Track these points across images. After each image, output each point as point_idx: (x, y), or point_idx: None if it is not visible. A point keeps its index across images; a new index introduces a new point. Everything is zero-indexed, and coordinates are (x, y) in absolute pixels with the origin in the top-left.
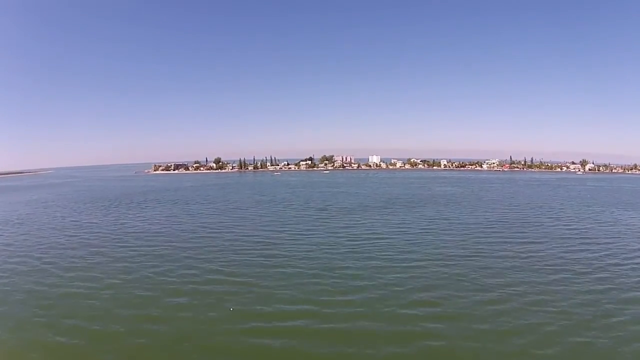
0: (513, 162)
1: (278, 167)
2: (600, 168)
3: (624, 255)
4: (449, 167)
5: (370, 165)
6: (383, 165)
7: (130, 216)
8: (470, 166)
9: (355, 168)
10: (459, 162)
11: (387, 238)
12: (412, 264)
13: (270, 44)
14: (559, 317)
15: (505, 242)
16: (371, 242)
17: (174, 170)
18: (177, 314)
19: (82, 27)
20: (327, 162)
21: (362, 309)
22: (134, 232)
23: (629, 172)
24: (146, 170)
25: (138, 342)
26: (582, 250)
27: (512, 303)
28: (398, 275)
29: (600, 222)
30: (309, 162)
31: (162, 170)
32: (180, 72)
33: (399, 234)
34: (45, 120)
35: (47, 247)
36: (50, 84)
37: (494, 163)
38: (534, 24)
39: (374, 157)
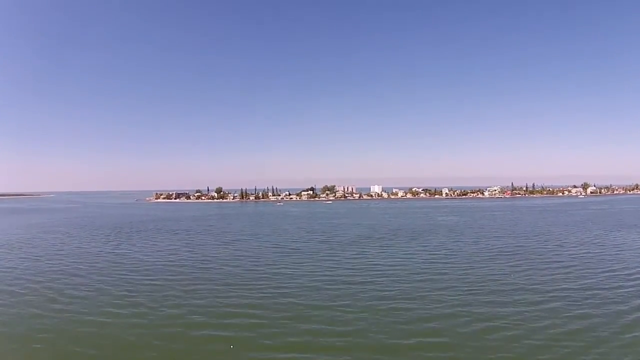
0: (515, 189)
1: (280, 197)
2: (602, 190)
3: (627, 278)
4: (451, 195)
5: (372, 195)
6: (385, 195)
7: (130, 246)
8: (472, 194)
9: (357, 198)
10: (461, 190)
11: (388, 271)
12: (412, 295)
13: (273, 69)
14: (564, 344)
15: (508, 272)
16: (371, 275)
17: (175, 198)
18: (174, 355)
19: (82, 42)
20: (328, 192)
21: (361, 340)
22: (132, 264)
23: (630, 192)
24: (147, 198)
25: None
26: (585, 277)
27: (515, 334)
28: (397, 307)
29: (604, 246)
30: (311, 192)
31: (164, 198)
32: (178, 99)
33: (399, 267)
34: (47, 142)
35: (45, 274)
36: (52, 103)
37: (495, 190)
38: (533, 42)
39: (376, 186)
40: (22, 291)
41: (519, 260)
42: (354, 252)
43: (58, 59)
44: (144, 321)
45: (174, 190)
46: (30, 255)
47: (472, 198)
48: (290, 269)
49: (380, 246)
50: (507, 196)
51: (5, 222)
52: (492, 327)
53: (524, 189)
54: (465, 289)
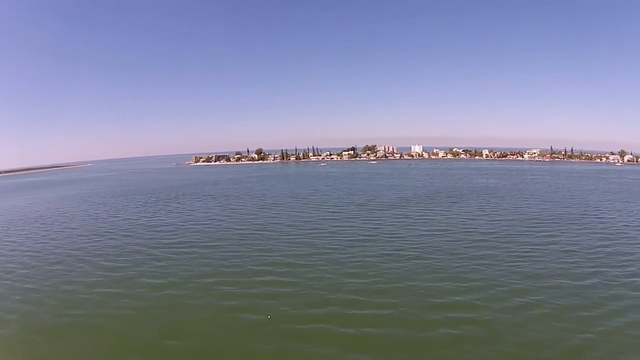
0: (554, 152)
1: (320, 158)
2: (639, 159)
3: None
4: (491, 157)
5: (412, 155)
6: (425, 155)
7: (167, 212)
8: (512, 156)
9: (398, 158)
10: (501, 152)
11: (427, 238)
12: (453, 264)
13: (314, 34)
14: (598, 319)
15: (549, 242)
16: (411, 240)
17: (215, 161)
18: (212, 320)
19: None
20: (369, 152)
21: (395, 311)
22: (169, 232)
23: None
24: (187, 162)
25: (169, 345)
26: (626, 254)
27: (548, 308)
28: (434, 277)
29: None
30: (352, 152)
31: (203, 161)
32: (219, 60)
33: (440, 232)
34: (84, 112)
35: (85, 243)
36: (86, 75)
37: (535, 153)
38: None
39: (416, 146)
40: (57, 266)
41: (559, 230)
42: (394, 216)
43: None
44: (180, 292)
45: (213, 153)
46: (65, 228)
47: (512, 160)
48: (328, 235)
49: (420, 210)
50: (547, 160)
51: (41, 195)
52: (528, 303)
53: (563, 152)
54: (505, 259)
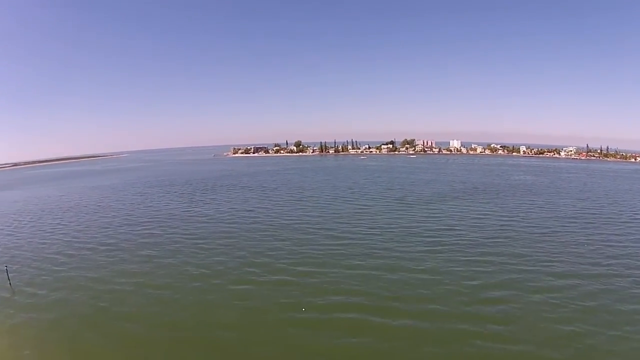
0: (589, 150)
1: (360, 151)
2: None
3: None
4: (528, 153)
5: (450, 150)
6: (463, 150)
7: (203, 204)
8: (549, 153)
9: (436, 152)
10: (538, 149)
11: (463, 232)
12: (486, 260)
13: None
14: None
15: (583, 242)
16: (447, 237)
17: (253, 153)
18: (246, 311)
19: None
20: (408, 145)
21: (435, 306)
22: (206, 221)
23: None
24: (225, 153)
25: (200, 336)
26: None
27: (577, 316)
28: (468, 271)
29: None
30: (390, 145)
31: (242, 153)
32: (262, 54)
33: (476, 230)
34: (121, 102)
35: (120, 233)
36: (125, 60)
37: (571, 151)
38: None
39: (455, 141)
40: (91, 255)
41: (593, 230)
42: (431, 211)
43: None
44: (215, 282)
45: (252, 145)
46: (100, 217)
47: (549, 157)
48: (364, 228)
49: (457, 206)
50: (582, 158)
51: (76, 184)
52: (558, 302)
53: (598, 151)
54: (539, 258)
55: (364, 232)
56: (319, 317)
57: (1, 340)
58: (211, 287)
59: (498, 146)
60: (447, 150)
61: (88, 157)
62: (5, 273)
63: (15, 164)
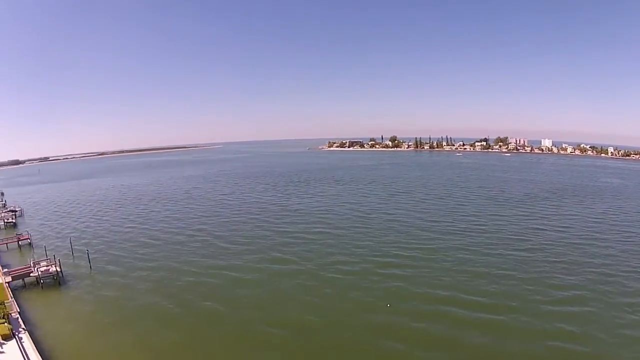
0: None
1: (454, 147)
2: None
3: None
4: (616, 155)
5: (542, 149)
6: (554, 150)
7: (297, 195)
8: (635, 156)
9: (529, 151)
10: (624, 151)
11: (550, 238)
12: (569, 261)
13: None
14: None
15: None
16: (535, 241)
17: (348, 147)
18: (331, 309)
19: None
20: (501, 143)
21: (512, 302)
22: (298, 214)
23: None
24: (320, 147)
25: (286, 336)
26: None
27: None
28: (551, 270)
29: None
30: (484, 143)
31: (337, 146)
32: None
33: (563, 234)
34: (215, 95)
35: (209, 223)
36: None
37: None
38: None
39: (546, 140)
40: (178, 246)
41: None
42: (521, 212)
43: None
44: (304, 277)
45: (347, 139)
46: (189, 205)
47: (636, 160)
48: (451, 227)
49: (546, 207)
50: None
51: (169, 173)
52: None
53: None
54: (625, 270)
55: (448, 232)
56: (403, 315)
57: (77, 316)
58: (304, 281)
59: (587, 147)
60: (539, 149)
61: (180, 147)
62: (87, 255)
63: (102, 153)
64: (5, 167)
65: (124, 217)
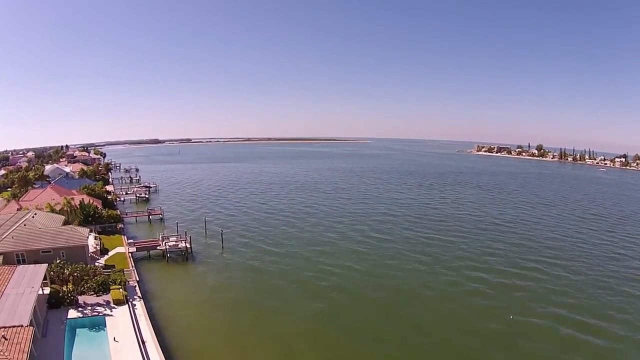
0: None
1: (595, 162)
2: None
3: None
4: None
5: None
6: None
7: (440, 197)
8: None
9: None
10: None
11: None
12: None
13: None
14: None
15: None
16: None
17: (496, 152)
18: (451, 311)
19: None
20: (638, 161)
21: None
22: (438, 216)
23: None
24: (469, 150)
25: (407, 336)
26: None
27: None
28: None
29: None
30: (623, 159)
31: (485, 151)
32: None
33: None
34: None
35: (346, 217)
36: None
37: None
38: None
39: None
40: (307, 232)
41: None
42: None
43: None
44: (426, 268)
45: (496, 144)
46: (339, 197)
47: None
48: (579, 247)
49: None
50: None
51: (314, 166)
52: None
53: None
54: None
55: (578, 251)
56: (523, 326)
57: (198, 291)
58: (421, 272)
59: None
60: None
61: (327, 139)
62: (220, 235)
63: (248, 139)
64: (145, 145)
65: (263, 202)
